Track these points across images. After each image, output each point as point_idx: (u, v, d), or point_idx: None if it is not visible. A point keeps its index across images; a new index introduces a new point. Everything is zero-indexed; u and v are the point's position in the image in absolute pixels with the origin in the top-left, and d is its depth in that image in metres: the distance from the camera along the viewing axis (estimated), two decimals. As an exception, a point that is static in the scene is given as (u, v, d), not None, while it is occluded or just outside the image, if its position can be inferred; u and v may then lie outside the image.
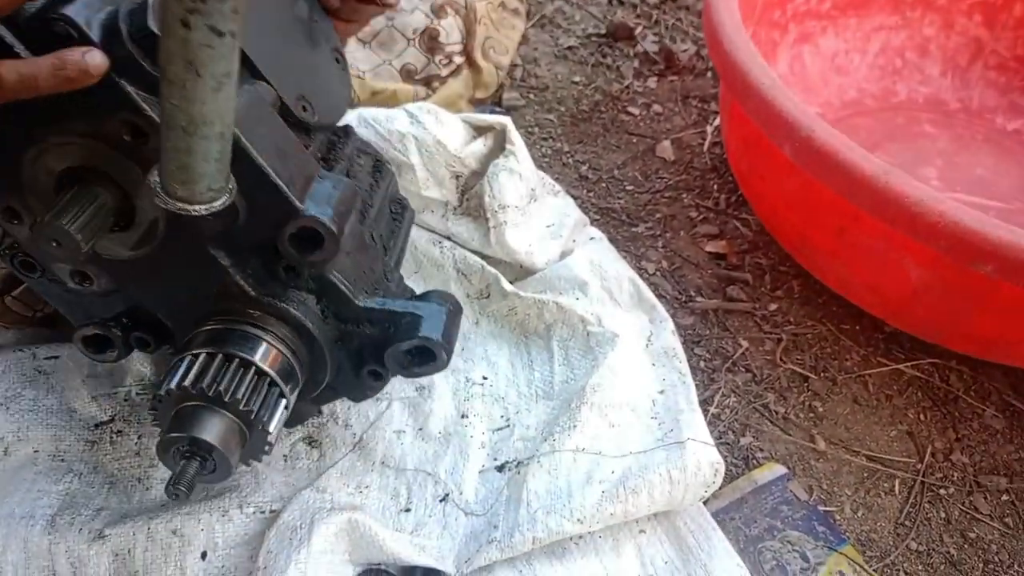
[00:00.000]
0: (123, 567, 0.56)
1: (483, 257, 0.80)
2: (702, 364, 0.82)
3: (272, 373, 0.51)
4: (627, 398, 0.69)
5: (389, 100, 0.97)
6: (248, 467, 0.58)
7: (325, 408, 0.69)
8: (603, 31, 1.26)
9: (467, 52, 1.06)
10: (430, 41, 1.04)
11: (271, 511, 0.61)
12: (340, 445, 0.67)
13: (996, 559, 0.71)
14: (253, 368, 0.50)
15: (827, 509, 0.72)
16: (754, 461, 0.75)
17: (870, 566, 0.68)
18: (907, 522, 0.72)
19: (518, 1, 1.19)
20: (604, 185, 1.01)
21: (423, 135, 0.79)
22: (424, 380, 0.72)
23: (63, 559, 0.56)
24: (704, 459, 0.63)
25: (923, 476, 0.76)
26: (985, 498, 0.75)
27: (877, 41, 1.13)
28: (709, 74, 1.22)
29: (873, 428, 0.79)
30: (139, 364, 0.69)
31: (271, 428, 0.50)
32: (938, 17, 1.14)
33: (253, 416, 0.49)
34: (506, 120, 0.82)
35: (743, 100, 0.79)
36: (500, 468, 0.67)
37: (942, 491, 0.75)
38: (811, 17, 1.08)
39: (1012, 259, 0.63)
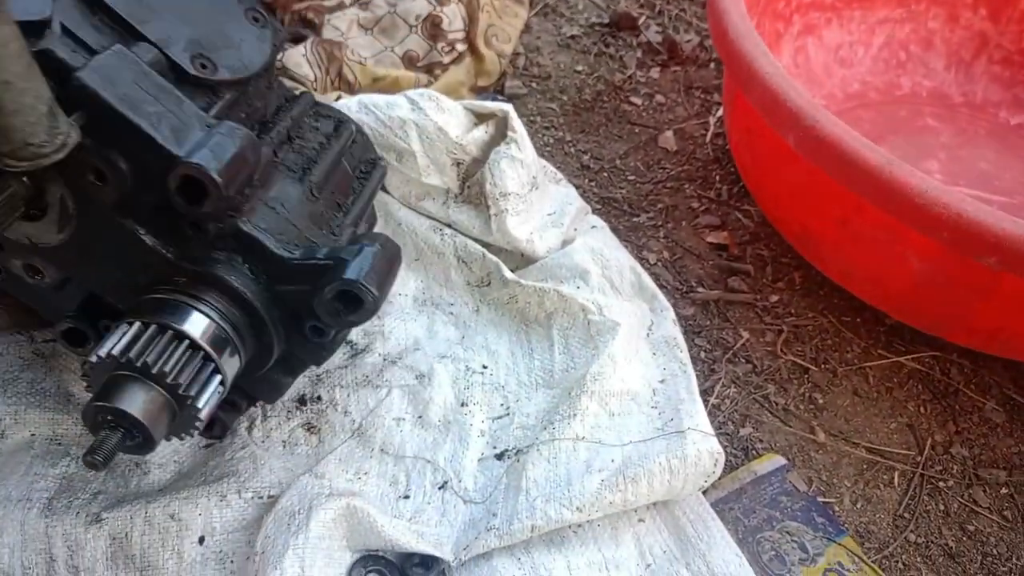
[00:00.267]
0: (120, 551, 0.56)
1: (484, 245, 0.80)
2: (702, 355, 0.82)
3: (203, 343, 0.50)
4: (627, 387, 0.69)
5: (391, 87, 0.97)
6: (181, 440, 0.57)
7: (324, 395, 0.69)
8: (606, 20, 1.26)
9: (470, 39, 1.05)
10: (432, 28, 1.03)
11: (269, 496, 0.61)
12: (339, 431, 0.67)
13: (995, 552, 0.71)
14: (183, 338, 0.50)
15: (826, 500, 0.72)
16: (754, 452, 0.74)
17: (869, 558, 0.68)
18: (906, 514, 0.72)
19: (521, -11, 1.18)
20: (606, 175, 1.01)
21: (424, 121, 0.78)
22: (424, 368, 0.72)
23: (60, 542, 0.55)
24: (704, 449, 0.63)
25: (923, 469, 0.76)
26: (984, 491, 0.75)
27: (881, 34, 1.13)
28: (712, 65, 1.21)
29: (873, 420, 0.79)
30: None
31: (200, 403, 0.50)
32: (943, 10, 1.14)
33: (182, 390, 0.48)
34: (508, 107, 0.81)
35: (747, 89, 0.78)
36: (499, 456, 0.67)
37: (941, 484, 0.75)
38: (815, 8, 1.08)
39: (1016, 251, 0.62)
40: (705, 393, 0.76)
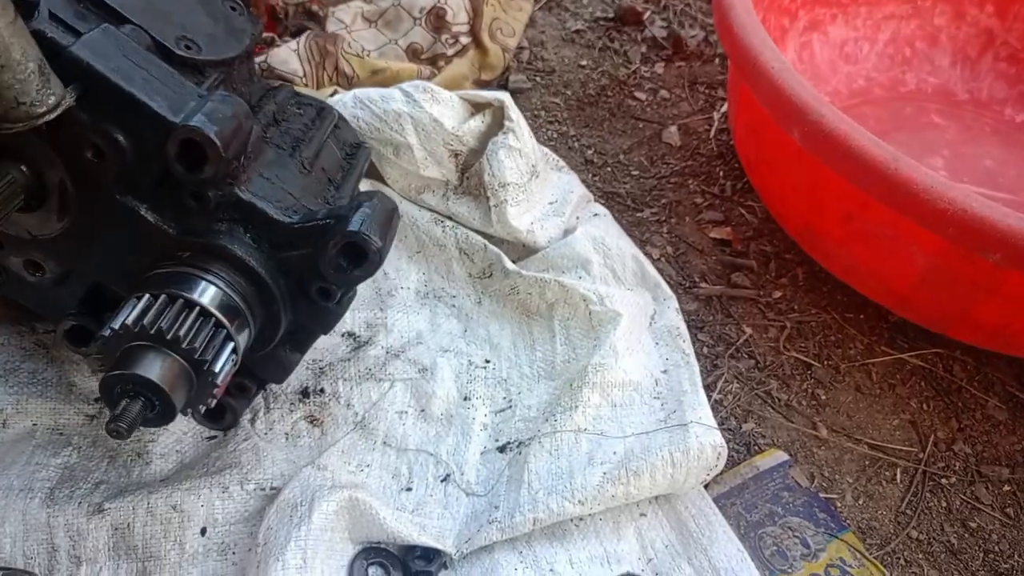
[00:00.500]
0: (122, 541, 0.56)
1: (485, 236, 0.80)
2: (705, 350, 0.81)
3: (213, 310, 0.50)
4: (630, 378, 0.69)
5: (391, 79, 0.96)
6: (186, 414, 0.57)
7: (327, 387, 0.69)
8: (611, 15, 1.26)
9: (474, 32, 1.05)
10: (436, 20, 1.03)
11: (272, 488, 0.61)
12: (342, 424, 0.67)
13: (997, 549, 0.71)
14: (194, 306, 0.50)
15: (828, 496, 0.72)
16: (756, 447, 0.74)
17: (871, 554, 0.68)
18: (908, 511, 0.72)
19: (526, -17, 1.18)
20: (609, 170, 1.01)
21: (419, 114, 0.78)
22: (426, 361, 0.72)
23: (62, 532, 0.55)
24: (707, 442, 0.63)
25: (925, 465, 0.76)
26: (987, 488, 0.75)
27: (887, 30, 1.13)
28: (717, 60, 1.21)
29: (876, 416, 0.79)
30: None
31: (216, 368, 0.50)
32: (949, 7, 1.13)
33: (197, 355, 0.49)
34: (504, 96, 0.81)
35: (753, 84, 0.78)
36: (502, 449, 0.67)
37: (944, 480, 0.75)
38: (821, 4, 1.08)
39: (1021, 247, 0.62)
40: (708, 388, 0.76)
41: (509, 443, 0.67)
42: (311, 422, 0.67)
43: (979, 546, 0.71)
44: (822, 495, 0.72)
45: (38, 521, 0.55)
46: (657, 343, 0.74)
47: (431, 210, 0.82)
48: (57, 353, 0.67)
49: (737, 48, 0.80)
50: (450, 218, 0.82)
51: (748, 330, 0.84)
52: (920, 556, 0.69)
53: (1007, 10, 1.12)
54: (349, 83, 0.96)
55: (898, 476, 0.75)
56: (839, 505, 0.71)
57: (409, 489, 0.64)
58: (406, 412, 0.69)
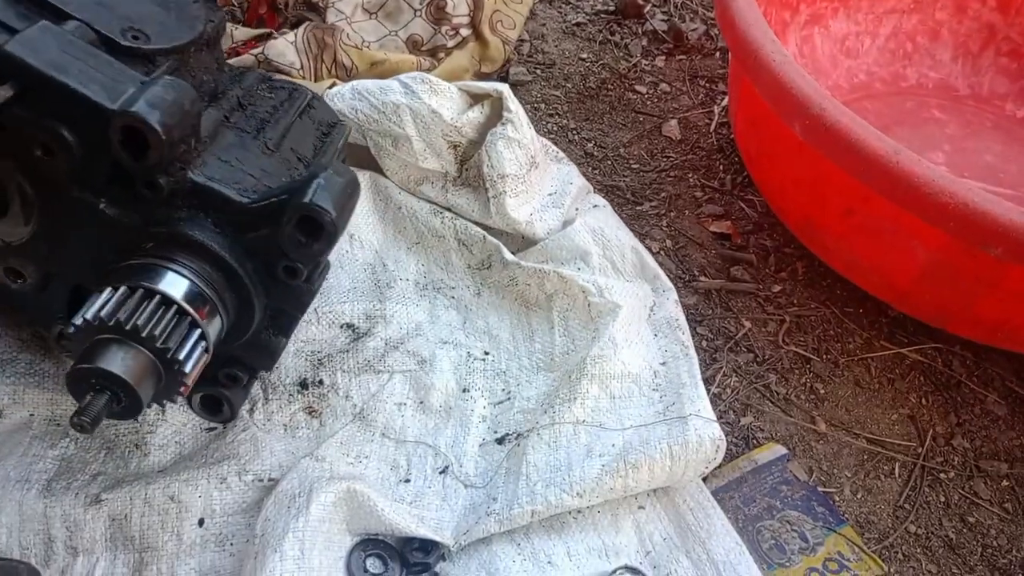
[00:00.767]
0: (119, 531, 0.56)
1: (484, 228, 0.79)
2: (704, 344, 0.81)
3: (177, 299, 0.50)
4: (628, 369, 0.69)
5: (390, 71, 0.96)
6: (161, 407, 0.57)
7: (326, 379, 0.69)
8: (612, 8, 1.25)
9: (474, 24, 1.05)
10: (437, 11, 1.03)
11: (270, 479, 0.60)
12: (340, 415, 0.67)
13: (995, 544, 0.71)
14: (155, 295, 0.49)
15: (826, 490, 0.72)
16: (754, 441, 0.74)
17: (869, 548, 0.68)
18: (907, 505, 0.72)
19: (526, -25, 1.17)
20: (609, 163, 1.00)
21: (417, 105, 0.77)
22: (425, 353, 0.72)
23: (58, 523, 0.55)
24: (706, 435, 0.62)
25: (923, 460, 0.76)
26: (985, 483, 0.75)
27: (888, 24, 1.12)
28: (717, 54, 1.21)
29: (874, 411, 0.79)
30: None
31: (181, 357, 0.49)
32: (951, 1, 1.13)
33: (159, 343, 0.48)
34: (503, 87, 0.80)
35: (754, 77, 0.78)
36: (500, 441, 0.67)
37: (942, 475, 0.75)
38: (822, -2, 1.07)
39: (1022, 242, 0.62)
40: (706, 382, 0.76)
41: (508, 435, 0.67)
42: (310, 413, 0.67)
43: (977, 541, 0.71)
44: (820, 489, 0.72)
45: (34, 511, 0.55)
46: (656, 335, 0.73)
47: (430, 202, 0.82)
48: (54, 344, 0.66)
49: (738, 41, 0.80)
50: (449, 210, 0.81)
51: (747, 324, 0.84)
52: (918, 550, 0.69)
53: (1009, 5, 1.11)
54: (348, 75, 0.96)
55: (897, 470, 0.75)
56: (837, 499, 0.71)
57: (407, 481, 0.64)
58: (405, 404, 0.69)
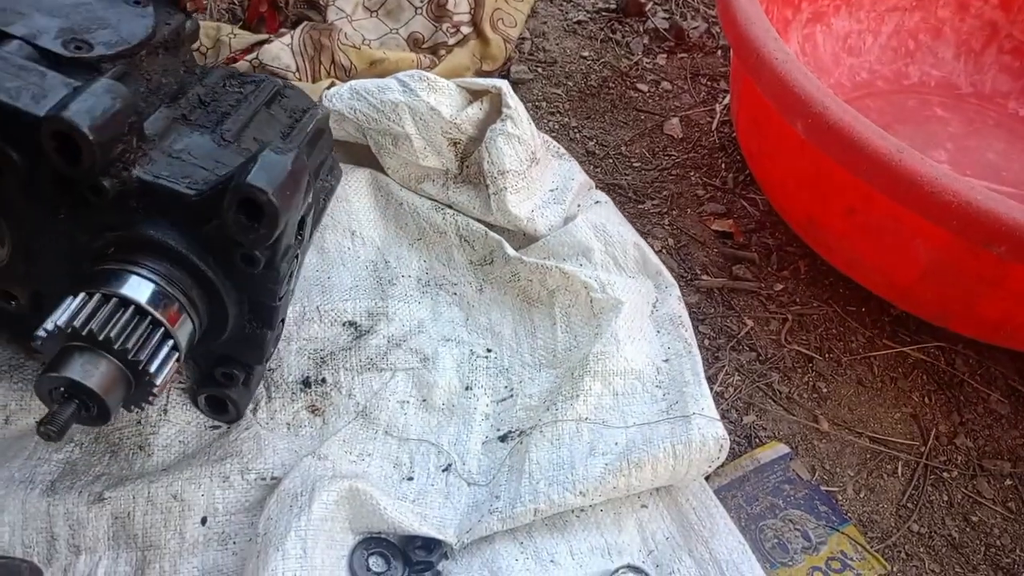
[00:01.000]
0: (122, 530, 0.56)
1: (486, 225, 0.79)
2: (706, 342, 0.81)
3: (143, 304, 0.50)
4: (631, 366, 0.69)
5: (389, 70, 0.95)
6: (140, 410, 0.57)
7: (328, 377, 0.69)
8: (613, 6, 1.25)
9: (475, 22, 1.04)
10: (438, 9, 1.02)
11: (272, 478, 0.60)
12: (343, 413, 0.67)
13: (998, 543, 0.71)
14: (111, 298, 0.49)
15: (829, 489, 0.72)
16: (757, 440, 0.74)
17: (872, 547, 0.68)
18: (909, 504, 0.72)
19: (528, -27, 1.17)
20: (611, 161, 1.00)
21: (416, 103, 0.77)
22: (428, 351, 0.72)
23: (61, 521, 0.55)
24: (709, 434, 0.62)
25: (926, 459, 0.75)
26: (988, 482, 0.75)
27: (891, 22, 1.12)
28: (719, 52, 1.20)
29: (877, 410, 0.79)
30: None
31: (148, 362, 0.49)
32: (953, -1, 1.13)
33: (126, 352, 0.48)
34: (501, 83, 0.80)
35: (756, 75, 0.78)
36: (503, 438, 0.67)
37: (945, 474, 0.75)
38: (824, -4, 1.07)
39: (1026, 240, 0.62)
40: (709, 381, 0.76)
41: (510, 432, 0.67)
42: (312, 412, 0.67)
43: (980, 540, 0.71)
44: (823, 488, 0.71)
45: (37, 510, 0.55)
46: (659, 331, 0.73)
47: (431, 199, 0.82)
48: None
49: (740, 39, 0.80)
50: (450, 207, 0.81)
51: (749, 322, 0.84)
52: (921, 549, 0.69)
53: (1011, 2, 1.11)
54: (347, 75, 0.95)
55: (899, 469, 0.74)
56: (840, 498, 0.71)
57: (410, 479, 0.64)
58: (408, 402, 0.69)
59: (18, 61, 0.50)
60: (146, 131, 0.52)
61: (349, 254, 0.78)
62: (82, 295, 0.49)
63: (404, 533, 0.59)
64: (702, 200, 0.97)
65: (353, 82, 0.80)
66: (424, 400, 0.69)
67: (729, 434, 0.65)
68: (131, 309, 0.49)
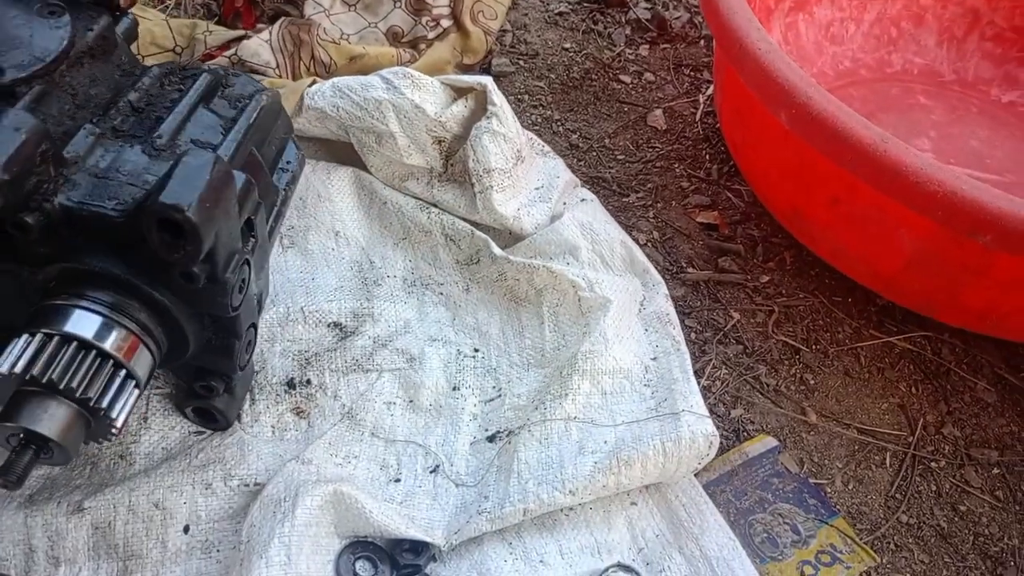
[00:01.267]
0: (103, 540, 0.55)
1: (472, 224, 0.78)
2: (693, 336, 0.81)
3: (90, 339, 0.48)
4: (620, 365, 0.68)
5: (370, 66, 0.94)
6: (107, 442, 0.55)
7: (313, 379, 0.68)
8: (594, -3, 1.24)
9: (455, 16, 1.03)
10: (417, 3, 1.01)
11: (256, 484, 0.59)
12: (329, 415, 0.66)
13: (987, 532, 0.71)
14: (61, 337, 0.47)
15: (818, 482, 0.71)
16: (745, 433, 0.74)
17: (861, 539, 0.68)
18: (898, 495, 0.72)
19: (508, -35, 1.16)
20: (595, 154, 1.00)
21: (400, 101, 0.76)
22: (415, 351, 0.71)
23: (40, 532, 0.54)
24: (699, 431, 0.62)
25: (914, 449, 0.75)
26: (976, 471, 0.75)
27: (873, 10, 1.12)
28: (702, 42, 1.20)
29: (864, 401, 0.79)
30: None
31: (104, 402, 0.48)
32: (934, -14, 1.12)
33: (79, 394, 0.46)
34: (486, 80, 0.79)
35: (739, 65, 0.77)
36: (491, 439, 0.66)
37: (933, 464, 0.75)
38: (807, -16, 1.07)
39: (1011, 229, 0.62)
40: (696, 375, 0.75)
41: (499, 433, 0.67)
42: (298, 414, 0.66)
43: (969, 529, 0.71)
44: (812, 481, 0.71)
45: (14, 521, 0.54)
46: (647, 330, 0.73)
47: (416, 198, 0.81)
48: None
49: (723, 29, 0.79)
50: (435, 206, 0.80)
51: (736, 315, 0.83)
52: (910, 540, 0.69)
53: (993, -11, 1.11)
54: (327, 71, 0.94)
55: (887, 460, 0.74)
56: (829, 491, 0.71)
57: (398, 480, 0.64)
58: (394, 403, 0.68)
59: None
60: (67, 154, 0.49)
61: (333, 254, 0.77)
62: (25, 336, 0.47)
63: (391, 536, 0.59)
64: (687, 192, 0.96)
65: (336, 79, 0.79)
66: (411, 401, 0.68)
67: (717, 428, 0.64)
68: (74, 346, 0.47)
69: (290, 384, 0.67)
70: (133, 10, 0.63)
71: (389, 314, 0.74)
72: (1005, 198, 0.63)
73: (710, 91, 1.11)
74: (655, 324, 0.73)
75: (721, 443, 0.71)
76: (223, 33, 0.94)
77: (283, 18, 0.96)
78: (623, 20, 1.21)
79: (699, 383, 0.75)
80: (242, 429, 0.63)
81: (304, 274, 0.75)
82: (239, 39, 0.93)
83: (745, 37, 0.76)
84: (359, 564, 0.58)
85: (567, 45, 1.15)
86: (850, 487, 0.72)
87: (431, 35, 1.02)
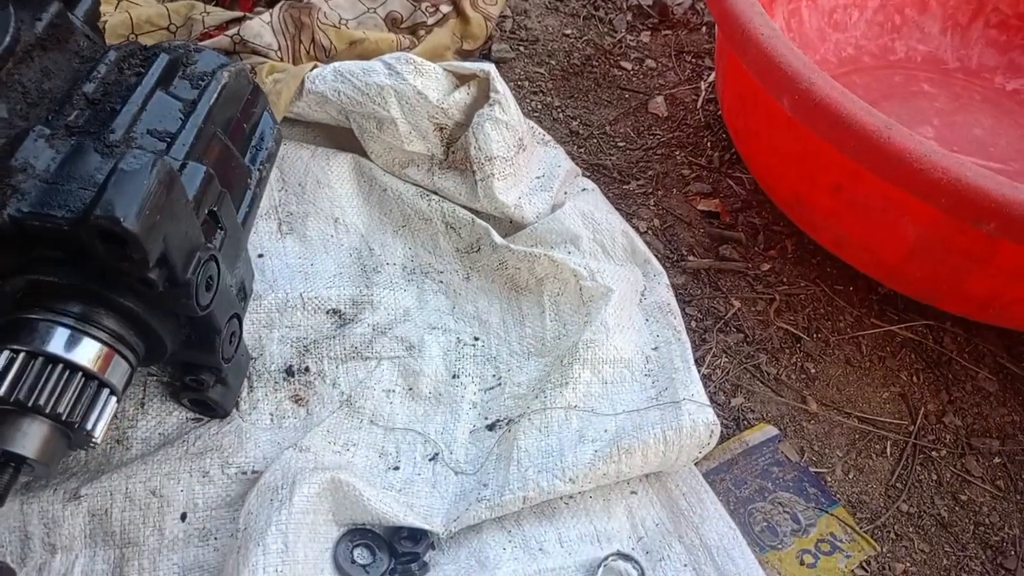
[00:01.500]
0: (99, 527, 0.55)
1: (472, 212, 0.78)
2: (693, 324, 0.80)
3: (59, 353, 0.46)
4: (621, 355, 0.68)
5: (370, 51, 0.93)
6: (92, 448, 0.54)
7: (312, 366, 0.68)
8: (595, -17, 1.23)
9: (455, 1, 1.02)
10: (417, -12, 1.00)
11: (253, 472, 0.59)
12: (327, 403, 0.65)
13: (987, 521, 0.71)
14: (23, 354, 0.46)
15: (818, 471, 0.71)
16: (745, 422, 0.74)
17: (861, 528, 0.68)
18: (898, 484, 0.72)
19: (508, -50, 1.15)
20: (595, 141, 0.99)
21: (402, 87, 0.75)
22: (414, 339, 0.70)
23: (36, 519, 0.54)
24: (700, 419, 0.62)
25: (915, 438, 0.75)
26: (977, 460, 0.74)
27: (877, -4, 1.11)
28: (704, 29, 1.19)
29: (865, 390, 0.78)
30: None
31: (80, 417, 0.47)
32: (939, -28, 1.11)
33: (53, 411, 0.45)
34: (489, 67, 0.78)
35: (741, 51, 0.76)
36: (491, 427, 0.66)
37: (934, 453, 0.75)
38: (810, -30, 1.06)
39: (1016, 217, 0.61)
40: (696, 363, 0.75)
41: (498, 421, 0.66)
42: (296, 402, 0.66)
43: (969, 519, 0.71)
44: (812, 470, 0.71)
45: (10, 509, 0.54)
46: (647, 320, 0.72)
47: (416, 184, 0.80)
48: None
49: (725, 15, 0.78)
50: (436, 193, 0.80)
51: (737, 303, 0.83)
52: (911, 530, 0.69)
53: (998, -24, 1.10)
54: (327, 56, 0.93)
55: (888, 449, 0.74)
56: (829, 480, 0.71)
57: (397, 468, 0.63)
58: (393, 391, 0.68)
59: None
60: (16, 161, 0.46)
61: (332, 241, 0.77)
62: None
63: (390, 524, 0.58)
64: (688, 180, 0.96)
65: (337, 64, 0.78)
66: (410, 389, 0.68)
67: (717, 417, 0.64)
68: (40, 361, 0.46)
69: (288, 371, 0.67)
70: None
71: (388, 302, 0.73)
72: (1010, 186, 0.62)
73: (712, 78, 1.10)
74: (656, 314, 0.73)
75: (721, 432, 0.71)
76: (220, 14, 0.93)
77: (283, 1, 0.95)
78: (624, 6, 1.20)
79: (699, 372, 0.75)
80: (240, 417, 0.63)
81: (303, 260, 0.74)
82: (238, 20, 0.92)
83: (748, 23, 0.75)
84: (357, 552, 0.58)
85: (568, 31, 1.14)
86: (850, 476, 0.72)
87: (430, 21, 1.00)
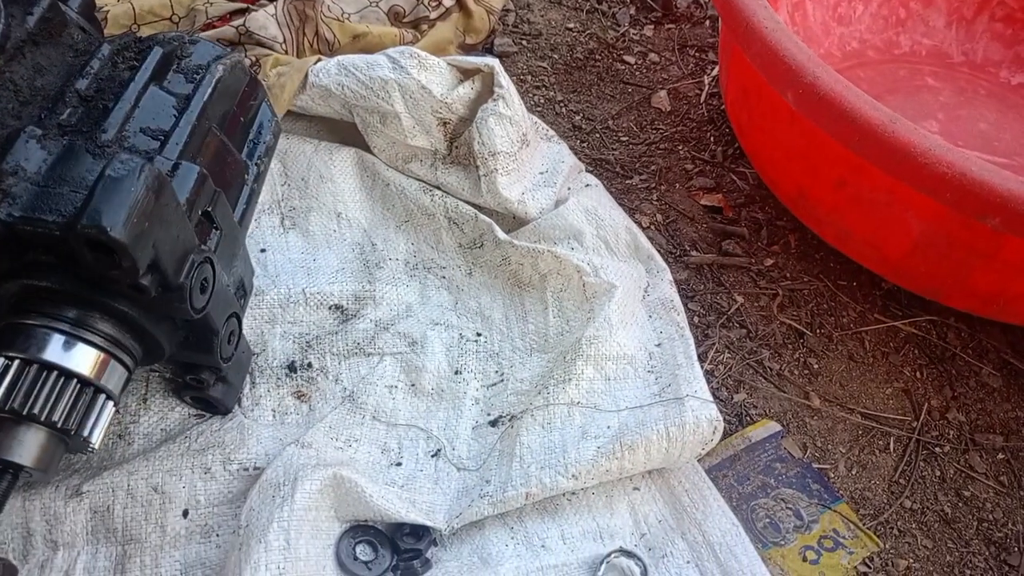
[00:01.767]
0: (101, 524, 0.55)
1: (475, 207, 0.78)
2: (696, 319, 0.80)
3: (55, 361, 0.46)
4: (624, 351, 0.67)
5: (373, 44, 0.93)
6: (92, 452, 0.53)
7: (314, 362, 0.67)
8: (598, -24, 1.22)
9: (458, -5, 1.02)
10: (419, -18, 1.00)
11: (256, 468, 0.59)
12: (330, 399, 0.65)
13: (991, 517, 0.70)
14: (18, 361, 0.45)
15: (821, 467, 0.71)
16: (748, 418, 0.73)
17: (864, 524, 0.68)
18: (902, 480, 0.72)
19: (511, -57, 1.14)
20: (598, 136, 0.98)
21: (406, 81, 0.75)
22: (416, 335, 0.70)
23: (38, 516, 0.54)
24: (703, 416, 0.61)
25: (918, 434, 0.75)
26: (981, 456, 0.74)
27: (881, -10, 1.10)
28: (708, 23, 1.18)
29: (869, 385, 0.78)
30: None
31: (76, 424, 0.46)
32: (944, -35, 1.11)
33: (25, 412, 0.45)
34: (493, 62, 0.78)
35: (745, 45, 0.76)
36: (493, 423, 0.66)
37: (937, 449, 0.74)
38: (814, -37, 1.05)
39: (1021, 212, 0.61)
40: (699, 359, 0.75)
41: (501, 417, 0.66)
42: (299, 398, 0.66)
43: (973, 515, 0.70)
44: (815, 466, 0.71)
45: (12, 506, 0.54)
46: (651, 316, 0.72)
47: (419, 179, 0.80)
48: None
49: (729, 8, 0.78)
50: (439, 188, 0.79)
51: (739, 299, 0.83)
52: (914, 525, 0.69)
53: (1004, -32, 1.09)
54: (330, 49, 0.93)
55: (891, 445, 0.74)
56: (832, 475, 0.71)
57: (399, 464, 0.63)
58: (396, 387, 0.67)
59: None
60: (7, 163, 0.45)
61: (335, 236, 0.76)
62: None
63: (392, 520, 0.58)
64: (691, 174, 0.95)
65: (341, 57, 0.78)
66: (413, 385, 0.68)
67: (720, 413, 0.64)
68: (35, 369, 0.45)
69: (291, 367, 0.67)
70: None
71: (391, 297, 0.73)
72: (1015, 180, 0.62)
73: (715, 72, 1.09)
74: (659, 310, 0.72)
75: (724, 428, 0.71)
76: (223, 4, 0.93)
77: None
78: (627, 0, 1.20)
79: (702, 367, 0.74)
80: (242, 413, 0.63)
81: (305, 255, 0.74)
82: (241, 11, 0.92)
83: (752, 16, 0.74)
84: (359, 548, 0.58)
85: (571, 25, 1.13)
86: (853, 472, 0.71)
87: (433, 15, 1.00)
